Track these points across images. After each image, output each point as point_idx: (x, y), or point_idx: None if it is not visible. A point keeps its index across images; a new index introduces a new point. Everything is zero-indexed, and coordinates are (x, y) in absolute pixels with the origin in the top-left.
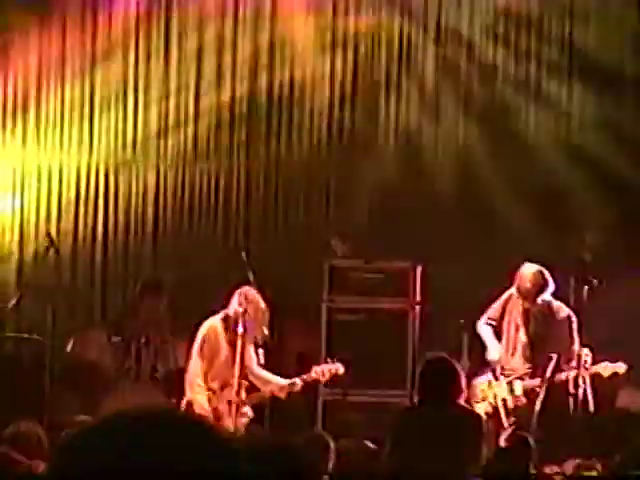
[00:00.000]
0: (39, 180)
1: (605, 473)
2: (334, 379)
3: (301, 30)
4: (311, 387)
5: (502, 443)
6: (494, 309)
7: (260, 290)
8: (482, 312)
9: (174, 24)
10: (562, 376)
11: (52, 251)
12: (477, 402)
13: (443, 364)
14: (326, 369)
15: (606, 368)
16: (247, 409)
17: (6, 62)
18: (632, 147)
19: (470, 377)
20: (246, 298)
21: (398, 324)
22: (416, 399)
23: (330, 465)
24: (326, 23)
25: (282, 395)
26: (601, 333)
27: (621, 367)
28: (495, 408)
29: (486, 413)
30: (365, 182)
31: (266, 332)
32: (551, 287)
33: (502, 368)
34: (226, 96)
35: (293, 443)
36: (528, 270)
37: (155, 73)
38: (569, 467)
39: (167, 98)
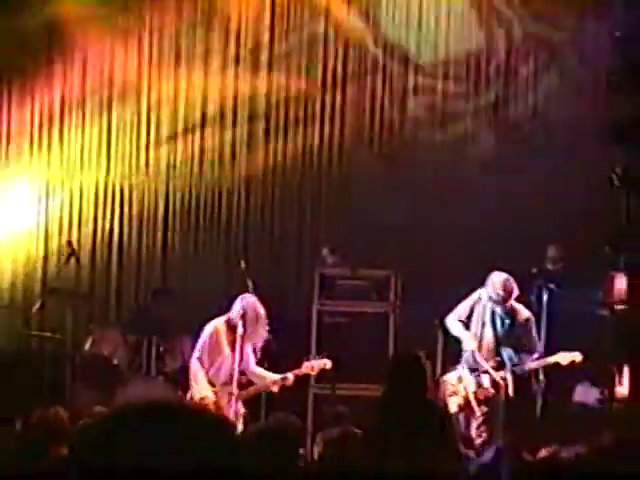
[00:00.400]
0: (62, 196)
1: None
2: (322, 373)
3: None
4: (302, 381)
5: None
6: (463, 309)
7: (258, 296)
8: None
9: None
10: (526, 368)
11: (73, 259)
12: (450, 396)
13: (409, 359)
14: (315, 364)
15: (565, 357)
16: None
17: (32, 93)
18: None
19: (445, 371)
20: (246, 304)
21: (380, 325)
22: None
23: (318, 451)
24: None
25: (275, 389)
26: (557, 332)
27: (577, 356)
28: (467, 400)
29: (458, 405)
30: (352, 201)
31: (266, 334)
32: (516, 292)
33: (473, 360)
34: (227, 133)
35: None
36: (498, 278)
37: (164, 108)
38: (544, 454)
39: (175, 132)
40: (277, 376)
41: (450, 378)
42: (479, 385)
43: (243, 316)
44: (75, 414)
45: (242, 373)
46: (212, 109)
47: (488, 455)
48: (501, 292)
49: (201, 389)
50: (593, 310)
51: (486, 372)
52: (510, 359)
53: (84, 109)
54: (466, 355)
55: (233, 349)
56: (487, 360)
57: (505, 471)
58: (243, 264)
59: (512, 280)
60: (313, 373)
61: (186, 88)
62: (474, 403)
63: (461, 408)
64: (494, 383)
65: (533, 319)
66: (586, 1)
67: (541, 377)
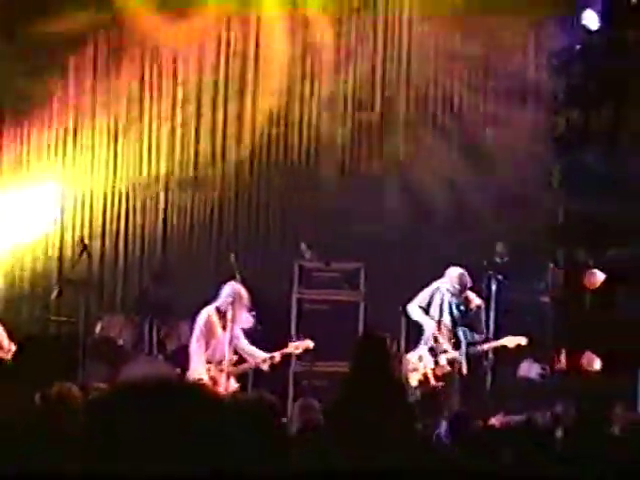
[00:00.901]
0: (75, 199)
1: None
2: (303, 352)
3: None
4: (286, 359)
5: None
6: (423, 297)
7: (243, 283)
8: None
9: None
10: (478, 349)
11: (85, 254)
12: (411, 372)
13: (374, 339)
14: (300, 344)
15: (512, 341)
16: (234, 381)
17: (50, 106)
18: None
19: (408, 351)
20: (233, 291)
21: (351, 311)
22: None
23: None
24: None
25: (265, 367)
26: (505, 317)
27: (523, 339)
28: (425, 376)
29: (419, 380)
30: (326, 203)
31: (249, 316)
32: (470, 284)
33: (432, 340)
34: (218, 141)
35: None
36: (454, 272)
37: (164, 116)
38: (497, 421)
39: (173, 139)
40: (266, 355)
41: (411, 356)
42: (437, 363)
43: (232, 303)
44: (86, 389)
45: (235, 352)
46: (205, 122)
47: (444, 424)
48: (457, 285)
49: (198, 368)
50: (535, 298)
51: (444, 351)
52: (465, 337)
53: (94, 121)
54: (425, 337)
55: (224, 331)
56: (445, 342)
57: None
58: (233, 257)
59: (466, 274)
60: (298, 352)
61: (182, 106)
62: (432, 379)
63: (421, 383)
64: (450, 361)
65: (483, 306)
66: (526, 27)
67: (490, 355)
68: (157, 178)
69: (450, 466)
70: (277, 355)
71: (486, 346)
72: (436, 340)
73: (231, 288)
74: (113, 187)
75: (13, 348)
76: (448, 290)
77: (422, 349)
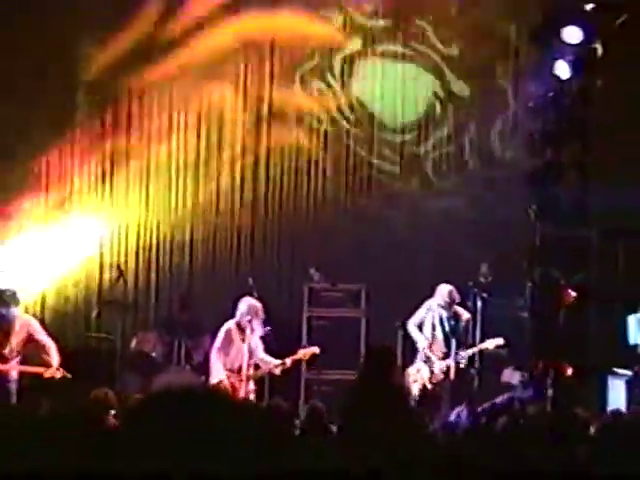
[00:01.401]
0: (112, 230)
1: None
2: (311, 360)
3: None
4: (297, 366)
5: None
6: (419, 315)
7: (260, 300)
8: (410, 316)
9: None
10: (463, 355)
11: (121, 279)
12: (412, 383)
13: (381, 349)
14: (307, 351)
15: (491, 342)
16: (252, 384)
17: (91, 150)
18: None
19: (405, 363)
20: (250, 307)
21: (354, 327)
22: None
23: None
24: None
25: (277, 372)
26: (489, 330)
27: (500, 340)
28: (424, 385)
29: (419, 389)
30: (332, 234)
31: (264, 328)
32: (458, 299)
33: (425, 355)
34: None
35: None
36: (445, 289)
37: (190, 163)
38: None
39: (197, 179)
40: (278, 361)
41: (411, 370)
42: (432, 373)
43: (249, 317)
44: (123, 396)
45: (252, 360)
46: (227, 168)
47: (459, 416)
48: (447, 299)
49: (219, 375)
50: (515, 313)
51: (437, 361)
52: (456, 347)
53: (128, 163)
54: (420, 352)
55: (242, 343)
56: (438, 353)
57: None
58: (250, 281)
59: (455, 290)
60: (305, 358)
61: (205, 146)
62: (429, 386)
63: (421, 391)
64: (442, 371)
65: (471, 320)
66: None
67: (476, 364)
68: (183, 212)
69: (455, 460)
70: (288, 361)
71: (470, 351)
72: (429, 354)
73: (248, 304)
74: (145, 221)
75: (57, 360)
76: (439, 305)
77: (419, 362)
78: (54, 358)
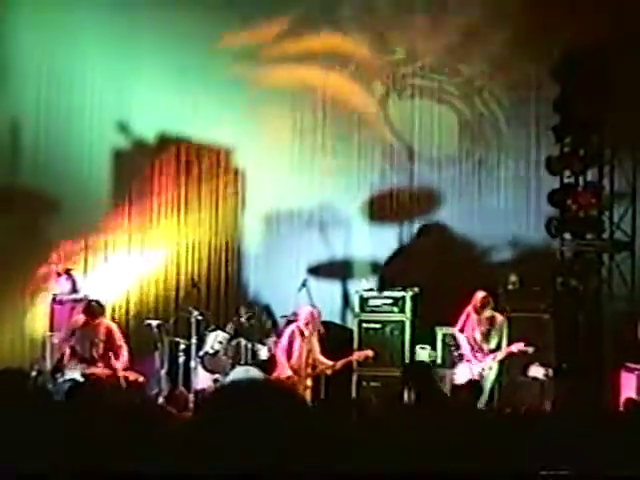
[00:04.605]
0: (187, 247)
1: None
2: (363, 360)
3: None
4: (349, 366)
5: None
6: (461, 321)
7: (317, 309)
8: (455, 322)
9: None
10: (499, 357)
11: (195, 289)
12: (456, 381)
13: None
14: (362, 353)
15: (516, 346)
16: (309, 382)
17: (159, 188)
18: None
19: (444, 360)
20: (311, 314)
21: (399, 330)
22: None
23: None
24: None
25: (329, 371)
26: (517, 333)
27: (521, 345)
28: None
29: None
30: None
31: (322, 330)
32: (491, 304)
33: (466, 358)
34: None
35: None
36: (480, 295)
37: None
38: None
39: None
40: (331, 362)
41: (456, 369)
42: (471, 371)
43: (308, 323)
44: (195, 392)
45: (310, 359)
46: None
47: None
48: (480, 304)
49: (283, 373)
50: (539, 316)
51: (476, 362)
52: (491, 348)
53: (200, 189)
54: (462, 352)
55: (302, 344)
56: (477, 352)
57: None
58: (304, 287)
59: (488, 296)
60: (360, 359)
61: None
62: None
63: (464, 386)
64: (482, 369)
65: (506, 322)
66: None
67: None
68: (243, 230)
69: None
70: (341, 362)
71: (502, 354)
72: (469, 357)
73: (308, 311)
74: (214, 241)
75: (123, 363)
76: (474, 308)
77: (462, 363)
78: (122, 360)
